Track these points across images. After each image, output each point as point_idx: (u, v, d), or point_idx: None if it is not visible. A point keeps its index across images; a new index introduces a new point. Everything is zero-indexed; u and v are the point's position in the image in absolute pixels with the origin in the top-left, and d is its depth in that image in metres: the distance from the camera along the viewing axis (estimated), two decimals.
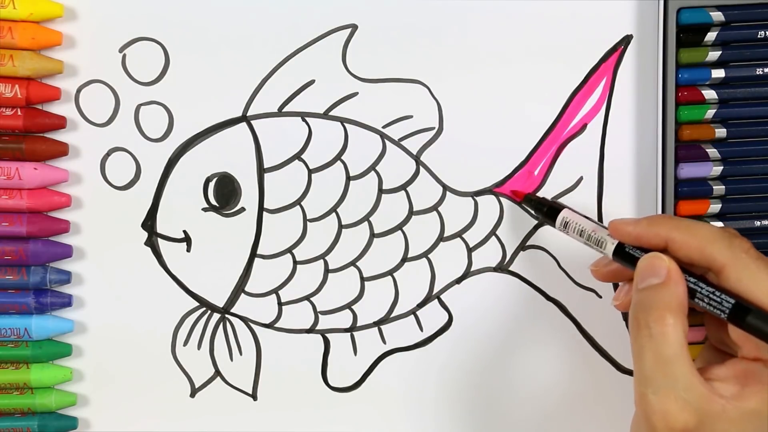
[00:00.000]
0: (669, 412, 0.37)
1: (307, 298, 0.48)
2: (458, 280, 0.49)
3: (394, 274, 0.48)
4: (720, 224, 0.47)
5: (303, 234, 0.48)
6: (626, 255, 0.41)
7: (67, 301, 0.47)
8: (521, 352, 0.49)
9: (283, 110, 0.48)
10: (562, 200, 0.48)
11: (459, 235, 0.48)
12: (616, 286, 0.48)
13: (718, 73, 0.46)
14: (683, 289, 0.38)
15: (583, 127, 0.48)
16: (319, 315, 0.49)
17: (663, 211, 0.47)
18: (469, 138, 0.48)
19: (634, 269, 0.40)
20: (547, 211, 0.45)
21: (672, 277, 0.38)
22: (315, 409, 0.49)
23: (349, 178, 0.48)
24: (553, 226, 0.45)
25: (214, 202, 0.48)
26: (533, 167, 0.48)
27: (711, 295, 0.38)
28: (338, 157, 0.48)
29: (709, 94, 0.47)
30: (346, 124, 0.48)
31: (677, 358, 0.37)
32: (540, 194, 0.48)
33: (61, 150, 0.47)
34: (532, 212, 0.48)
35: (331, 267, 0.48)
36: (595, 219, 0.45)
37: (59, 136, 0.47)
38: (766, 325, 0.37)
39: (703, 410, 0.37)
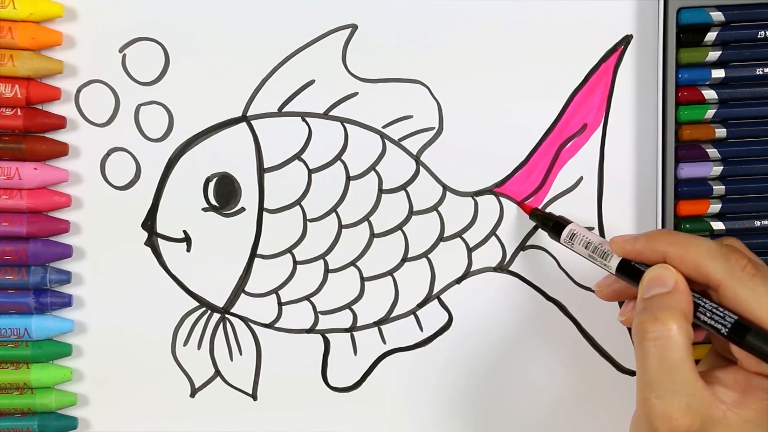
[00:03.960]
0: (672, 416, 0.37)
1: (307, 298, 0.48)
2: (458, 280, 0.49)
3: (394, 274, 0.48)
4: (720, 224, 0.47)
5: (303, 234, 0.48)
6: (631, 269, 0.41)
7: (67, 301, 0.47)
8: (521, 352, 0.49)
9: (283, 110, 0.48)
10: (562, 200, 0.48)
11: (459, 235, 0.48)
12: None
13: (718, 73, 0.46)
14: (689, 299, 0.38)
15: (583, 127, 0.48)
16: (319, 315, 0.49)
17: (663, 211, 0.47)
18: (469, 138, 0.48)
19: (637, 286, 0.40)
20: (553, 226, 0.46)
21: (679, 287, 0.38)
22: (315, 409, 0.49)
23: (349, 178, 0.48)
24: (559, 240, 0.45)
25: (214, 202, 0.48)
26: (533, 167, 0.48)
27: (714, 310, 0.38)
28: (338, 157, 0.48)
29: (709, 94, 0.47)
30: (346, 124, 0.48)
31: (682, 362, 0.37)
32: (542, 193, 0.48)
33: (61, 150, 0.47)
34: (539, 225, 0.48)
35: (331, 267, 0.48)
36: (598, 234, 0.45)
37: (59, 136, 0.47)
38: (766, 345, 0.37)
39: (705, 415, 0.37)
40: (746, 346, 0.37)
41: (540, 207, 0.48)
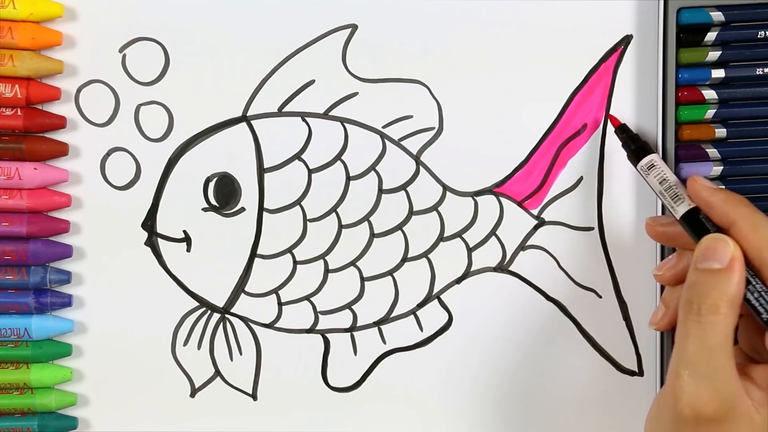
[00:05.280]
0: (700, 398, 0.37)
1: (307, 298, 0.48)
2: (458, 280, 0.49)
3: (394, 274, 0.48)
4: None
5: (303, 234, 0.48)
6: (697, 222, 0.41)
7: (67, 301, 0.47)
8: (521, 352, 0.49)
9: (283, 110, 0.48)
10: (562, 200, 0.48)
11: (459, 235, 0.48)
12: (616, 283, 0.48)
13: (718, 73, 0.46)
14: (741, 281, 0.38)
15: (583, 127, 0.48)
16: (319, 315, 0.49)
17: (663, 211, 0.47)
18: (469, 138, 0.48)
19: (696, 239, 0.40)
20: (635, 149, 0.45)
21: (734, 266, 0.38)
22: (315, 409, 0.49)
23: (349, 178, 0.48)
24: (635, 166, 0.45)
25: (214, 202, 0.48)
26: (533, 167, 0.48)
27: (763, 293, 0.38)
28: (338, 157, 0.48)
29: (709, 94, 0.47)
30: (346, 124, 0.48)
31: (721, 348, 0.37)
32: (542, 193, 0.48)
33: (61, 150, 0.47)
34: (621, 144, 0.47)
35: (331, 267, 0.48)
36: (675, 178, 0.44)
37: (59, 136, 0.47)
38: None
39: (732, 405, 0.37)
40: None
41: (540, 207, 0.48)
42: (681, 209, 0.42)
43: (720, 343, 0.37)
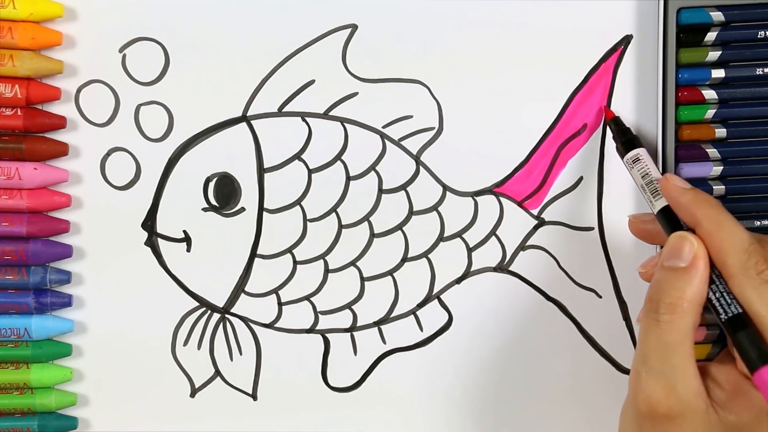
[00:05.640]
0: (655, 395, 0.37)
1: (307, 298, 0.48)
2: (458, 280, 0.49)
3: (394, 274, 0.48)
4: None
5: (303, 234, 0.48)
6: (673, 219, 0.41)
7: (67, 301, 0.47)
8: (521, 352, 0.49)
9: (283, 110, 0.48)
10: (562, 200, 0.48)
11: (459, 235, 0.48)
12: (616, 283, 0.48)
13: (718, 73, 0.46)
14: (703, 281, 0.38)
15: (583, 127, 0.48)
16: (319, 315, 0.49)
17: None
18: (469, 138, 0.48)
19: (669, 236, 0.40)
20: (624, 142, 0.46)
21: (696, 265, 0.38)
22: (315, 409, 0.49)
23: (349, 178, 0.48)
24: (622, 158, 0.45)
25: (214, 202, 0.48)
26: (533, 167, 0.48)
27: (725, 293, 0.38)
28: (338, 157, 0.48)
29: (709, 94, 0.47)
30: (346, 124, 0.48)
31: (678, 347, 0.37)
32: (542, 193, 0.48)
33: (61, 150, 0.47)
34: (612, 135, 0.47)
35: (331, 267, 0.48)
36: (659, 172, 0.45)
37: (59, 136, 0.47)
38: (752, 348, 0.37)
39: (688, 404, 0.37)
40: (735, 341, 0.37)
41: (540, 207, 0.48)
42: (659, 204, 0.42)
43: (677, 341, 0.37)
